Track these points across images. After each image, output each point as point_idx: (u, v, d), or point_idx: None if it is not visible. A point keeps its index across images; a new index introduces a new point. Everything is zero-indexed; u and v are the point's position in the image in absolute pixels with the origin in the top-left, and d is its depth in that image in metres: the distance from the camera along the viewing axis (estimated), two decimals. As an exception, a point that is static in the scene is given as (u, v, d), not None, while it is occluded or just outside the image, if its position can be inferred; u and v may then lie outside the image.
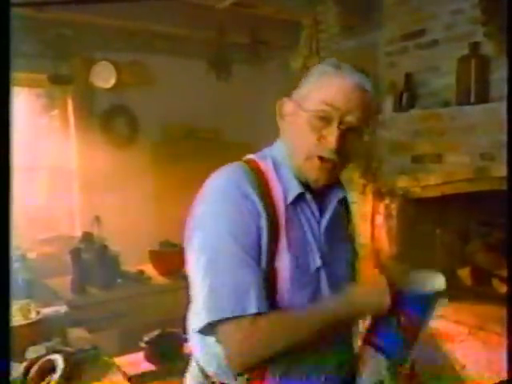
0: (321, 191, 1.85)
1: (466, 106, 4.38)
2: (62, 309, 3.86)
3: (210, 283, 1.61)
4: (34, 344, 3.18)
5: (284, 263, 1.67)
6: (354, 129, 1.72)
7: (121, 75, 6.05)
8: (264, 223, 1.66)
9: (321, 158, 1.74)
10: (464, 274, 4.89)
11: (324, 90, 1.74)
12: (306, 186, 1.81)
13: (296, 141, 1.79)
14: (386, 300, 1.67)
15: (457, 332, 4.28)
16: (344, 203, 2.04)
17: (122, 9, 5.15)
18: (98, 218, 5.16)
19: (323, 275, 1.78)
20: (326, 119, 1.71)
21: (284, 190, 1.77)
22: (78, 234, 5.35)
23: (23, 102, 5.76)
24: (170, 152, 6.24)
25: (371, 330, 1.82)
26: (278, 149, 1.88)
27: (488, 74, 4.35)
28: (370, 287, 1.74)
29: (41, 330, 3.37)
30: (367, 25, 5.47)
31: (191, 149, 6.23)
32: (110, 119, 6.14)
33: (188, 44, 6.17)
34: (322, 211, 1.85)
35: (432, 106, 4.73)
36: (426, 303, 1.78)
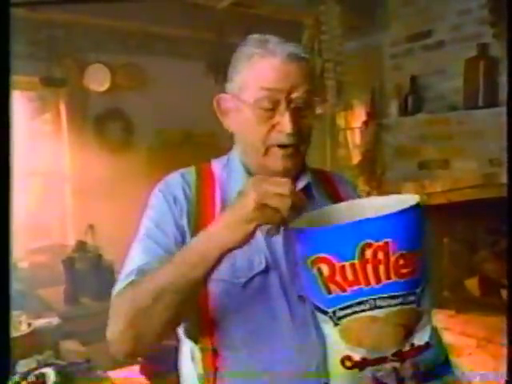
0: None
1: (474, 109, 4.39)
2: (55, 320, 3.85)
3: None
4: (24, 357, 3.17)
5: None
6: (304, 107, 1.62)
7: (115, 78, 6.05)
8: (185, 222, 1.64)
9: (280, 146, 1.62)
10: (472, 284, 4.88)
11: (258, 74, 1.62)
12: None
13: (247, 137, 1.68)
14: (240, 229, 1.32)
15: (464, 345, 4.27)
16: (328, 193, 1.83)
17: (117, 9, 5.15)
18: (92, 226, 5.16)
19: (273, 280, 1.60)
20: (272, 106, 1.60)
21: (230, 190, 1.69)
22: (72, 242, 5.34)
23: (14, 106, 5.75)
24: (166, 158, 6.19)
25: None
26: (235, 147, 1.82)
27: (497, 76, 4.36)
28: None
29: (32, 343, 3.36)
30: (371, 26, 5.48)
31: (189, 154, 6.13)
32: (105, 123, 6.12)
33: (185, 45, 6.18)
34: None
35: (438, 110, 4.74)
36: (356, 239, 1.29)
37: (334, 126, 5.70)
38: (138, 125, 6.28)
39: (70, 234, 5.94)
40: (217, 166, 1.80)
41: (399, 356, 1.36)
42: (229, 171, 1.76)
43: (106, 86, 6.00)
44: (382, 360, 1.36)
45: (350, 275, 1.30)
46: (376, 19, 5.43)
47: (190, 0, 5.08)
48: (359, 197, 1.86)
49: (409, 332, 1.37)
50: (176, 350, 1.86)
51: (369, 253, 1.28)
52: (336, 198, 1.78)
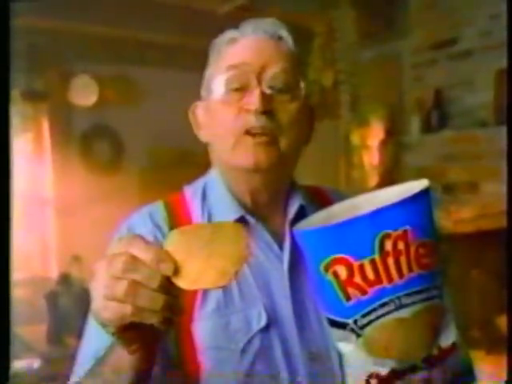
0: (275, 211, 1.54)
1: (506, 126, 4.41)
2: (36, 362, 3.86)
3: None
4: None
5: (199, 323, 1.39)
6: (281, 89, 1.43)
7: (104, 91, 6.08)
8: None
9: (251, 134, 1.41)
10: (503, 322, 4.89)
11: (226, 58, 1.48)
12: (252, 208, 1.51)
13: (216, 137, 1.52)
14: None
15: (496, 390, 4.28)
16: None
17: (106, 14, 5.18)
18: (77, 257, 5.17)
19: (276, 339, 1.42)
20: (240, 86, 1.43)
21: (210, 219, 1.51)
22: (54, 275, 5.35)
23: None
24: (159, 179, 6.19)
25: None
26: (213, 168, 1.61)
27: (531, 88, 4.39)
28: None
29: (11, 387, 3.38)
30: (390, 32, 5.51)
31: (186, 176, 6.14)
32: (91, 142, 6.15)
33: (182, 55, 6.21)
34: (281, 241, 1.49)
35: (466, 126, 4.75)
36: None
37: (348, 145, 5.71)
38: (129, 143, 6.30)
39: (52, 266, 5.94)
40: (191, 196, 1.59)
41: (429, 363, 1.32)
42: (209, 201, 1.55)
43: (93, 100, 6.03)
44: (412, 370, 1.31)
45: (370, 274, 1.25)
46: (395, 25, 5.46)
47: (187, 4, 5.11)
48: None
49: (436, 332, 1.34)
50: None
51: (389, 244, 1.24)
52: None
